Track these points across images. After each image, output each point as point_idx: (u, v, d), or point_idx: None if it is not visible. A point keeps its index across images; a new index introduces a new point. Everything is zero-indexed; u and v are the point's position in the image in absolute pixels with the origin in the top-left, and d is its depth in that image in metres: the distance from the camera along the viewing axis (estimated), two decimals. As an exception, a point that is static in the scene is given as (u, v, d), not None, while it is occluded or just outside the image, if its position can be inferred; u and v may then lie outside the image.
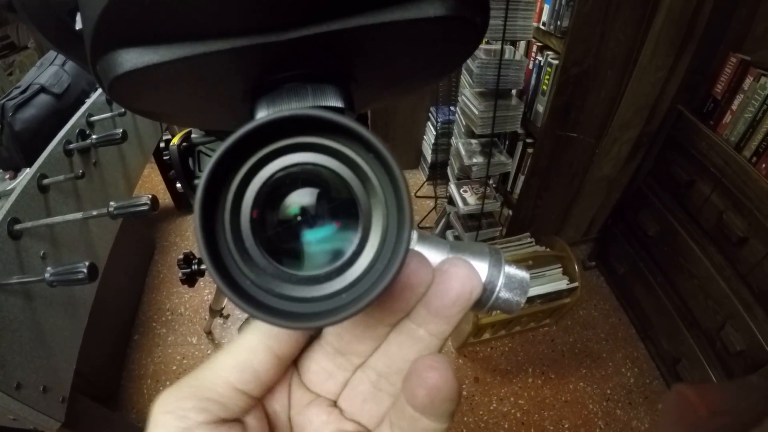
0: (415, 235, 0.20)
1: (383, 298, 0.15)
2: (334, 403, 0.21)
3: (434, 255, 0.20)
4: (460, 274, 0.18)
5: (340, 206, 0.16)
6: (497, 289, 0.20)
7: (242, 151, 0.14)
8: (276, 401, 0.21)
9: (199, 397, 0.18)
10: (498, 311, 0.21)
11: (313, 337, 0.21)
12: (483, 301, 0.20)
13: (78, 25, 0.23)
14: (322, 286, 0.15)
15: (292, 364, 0.22)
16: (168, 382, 1.54)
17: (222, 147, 0.14)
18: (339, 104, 0.17)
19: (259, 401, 0.20)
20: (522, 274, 0.21)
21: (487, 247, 0.21)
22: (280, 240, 0.16)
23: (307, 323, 0.15)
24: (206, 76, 0.17)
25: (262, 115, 0.17)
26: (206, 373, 0.19)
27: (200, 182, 0.14)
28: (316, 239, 0.16)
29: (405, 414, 0.18)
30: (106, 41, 0.15)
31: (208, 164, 0.14)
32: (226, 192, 0.15)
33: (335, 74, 0.18)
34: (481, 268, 0.20)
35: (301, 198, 0.16)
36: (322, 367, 0.21)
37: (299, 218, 0.16)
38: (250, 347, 0.19)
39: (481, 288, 0.18)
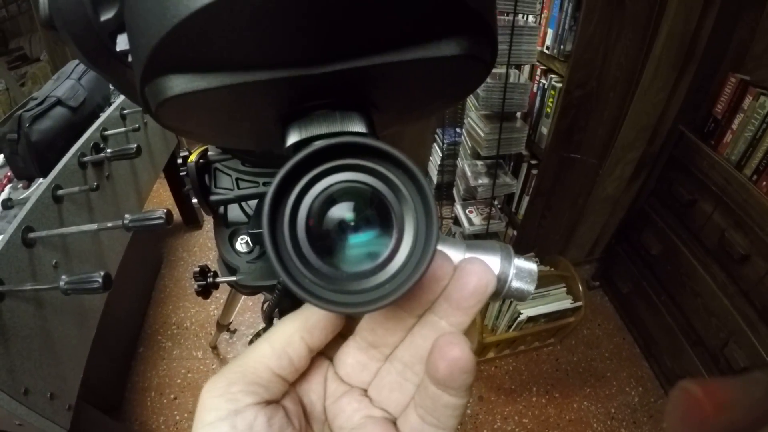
0: None
1: (415, 289, 0.18)
2: (365, 393, 0.24)
3: (453, 252, 0.23)
4: (477, 271, 0.20)
5: (378, 214, 0.19)
6: (509, 279, 0.23)
7: (295, 172, 0.17)
8: (312, 392, 0.23)
9: (245, 381, 0.21)
10: (512, 299, 0.24)
11: (345, 336, 0.24)
12: (498, 291, 0.23)
13: (119, 47, 0.24)
14: (369, 280, 0.18)
15: (328, 360, 0.24)
16: (172, 396, 1.54)
17: (282, 170, 0.17)
18: (363, 130, 0.19)
19: (292, 387, 0.23)
20: (530, 265, 0.24)
21: (498, 243, 0.24)
22: (331, 244, 0.19)
23: (362, 308, 0.18)
24: (245, 101, 0.19)
25: (294, 137, 0.19)
26: (248, 360, 0.22)
27: (265, 202, 0.17)
28: (360, 242, 0.19)
29: (428, 393, 0.20)
30: (159, 67, 0.17)
31: (271, 187, 0.17)
32: (284, 208, 0.17)
33: (360, 103, 0.20)
34: (494, 261, 0.23)
35: (346, 209, 0.19)
36: (357, 360, 0.23)
37: (346, 226, 0.19)
38: (286, 337, 0.22)
39: (495, 282, 0.21)
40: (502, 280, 0.23)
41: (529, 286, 0.23)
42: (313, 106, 0.19)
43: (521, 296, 0.24)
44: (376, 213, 0.19)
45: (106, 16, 0.24)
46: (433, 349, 0.20)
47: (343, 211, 0.19)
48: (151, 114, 0.20)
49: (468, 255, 0.23)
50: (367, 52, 0.17)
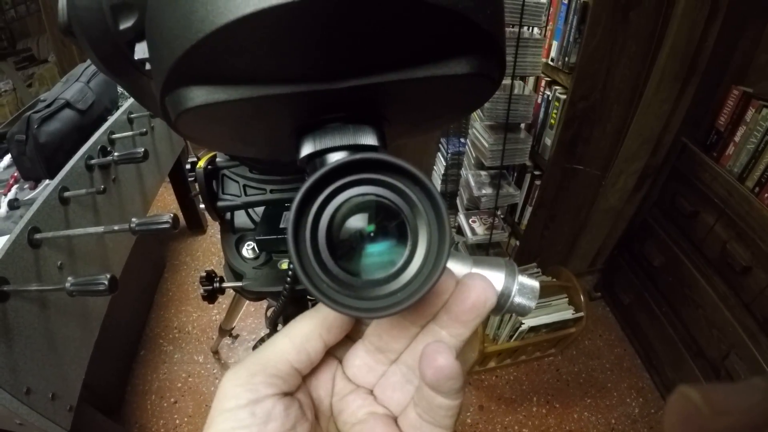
0: None
1: (419, 302, 0.19)
2: (371, 392, 0.25)
3: (461, 266, 0.24)
4: (477, 287, 0.21)
5: (394, 226, 0.20)
6: (512, 294, 0.24)
7: (318, 185, 0.18)
8: (321, 388, 0.25)
9: (266, 374, 0.22)
10: (514, 313, 0.25)
11: (352, 337, 0.25)
12: (500, 305, 0.24)
13: (137, 55, 0.25)
14: (383, 287, 0.19)
15: (337, 360, 0.26)
16: (172, 399, 1.54)
17: (307, 183, 0.17)
18: (375, 143, 0.20)
19: (304, 382, 0.24)
20: (533, 282, 0.25)
21: (504, 260, 0.25)
22: (350, 252, 0.20)
23: (375, 314, 0.19)
24: (263, 113, 0.20)
25: (308, 148, 0.20)
26: (269, 353, 0.23)
27: (290, 212, 0.17)
28: (377, 252, 0.20)
29: (424, 394, 0.21)
30: (181, 79, 0.18)
31: (296, 198, 0.17)
32: (306, 218, 0.18)
33: (373, 116, 0.21)
34: (498, 277, 0.24)
35: (364, 221, 0.20)
36: (365, 362, 0.25)
37: (363, 236, 0.20)
38: (305, 334, 0.23)
39: (495, 298, 0.22)
40: (505, 295, 0.24)
41: (531, 303, 0.24)
42: (327, 119, 0.20)
43: (522, 312, 0.25)
44: (392, 225, 0.20)
45: (126, 24, 0.24)
46: (422, 357, 0.21)
47: (361, 222, 0.20)
48: (170, 123, 0.20)
49: (474, 270, 0.24)
50: (381, 70, 0.18)
